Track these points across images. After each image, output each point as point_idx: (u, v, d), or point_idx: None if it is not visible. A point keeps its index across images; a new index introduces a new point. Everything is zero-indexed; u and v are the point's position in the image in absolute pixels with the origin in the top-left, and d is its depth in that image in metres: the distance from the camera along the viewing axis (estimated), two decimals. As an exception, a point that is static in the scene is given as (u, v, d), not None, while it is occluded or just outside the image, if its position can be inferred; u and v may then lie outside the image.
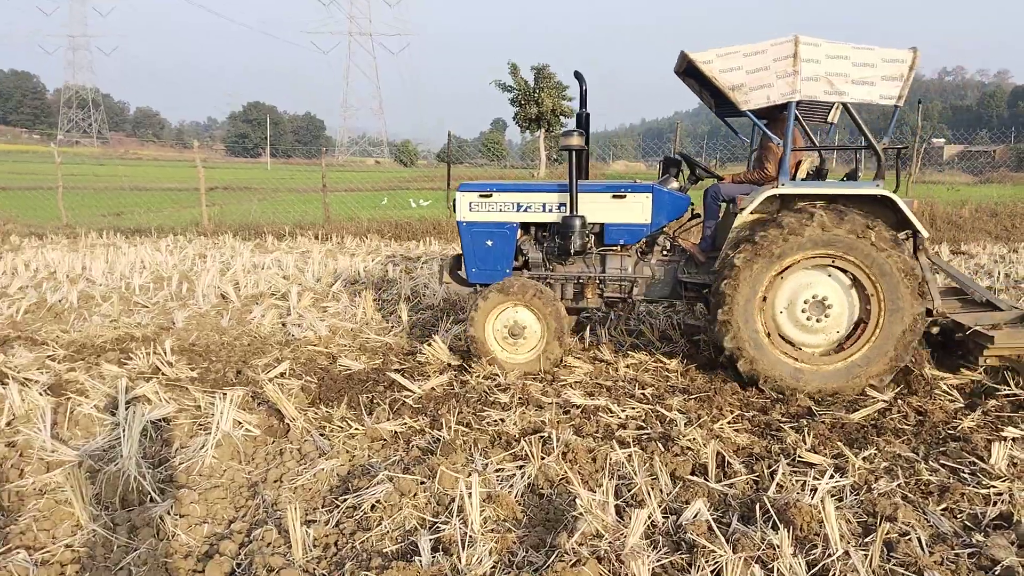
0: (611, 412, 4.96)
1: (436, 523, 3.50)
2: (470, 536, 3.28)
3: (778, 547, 3.12)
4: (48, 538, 3.42)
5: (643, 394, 5.36)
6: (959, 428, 4.64)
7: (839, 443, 4.41)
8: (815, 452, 4.30)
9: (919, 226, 5.34)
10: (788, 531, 3.23)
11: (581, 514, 3.42)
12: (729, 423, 4.77)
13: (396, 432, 4.71)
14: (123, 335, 6.90)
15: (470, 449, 4.38)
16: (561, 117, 46.34)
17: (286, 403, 4.87)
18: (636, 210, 6.01)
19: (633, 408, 5.04)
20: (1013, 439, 4.36)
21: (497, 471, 4.09)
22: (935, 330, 5.69)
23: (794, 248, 5.19)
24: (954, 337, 5.62)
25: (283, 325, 7.49)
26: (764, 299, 5.33)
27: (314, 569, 3.19)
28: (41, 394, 5.05)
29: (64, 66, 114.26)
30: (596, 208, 6.04)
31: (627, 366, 6.03)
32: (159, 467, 4.16)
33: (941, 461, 4.20)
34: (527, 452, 4.22)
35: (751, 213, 5.48)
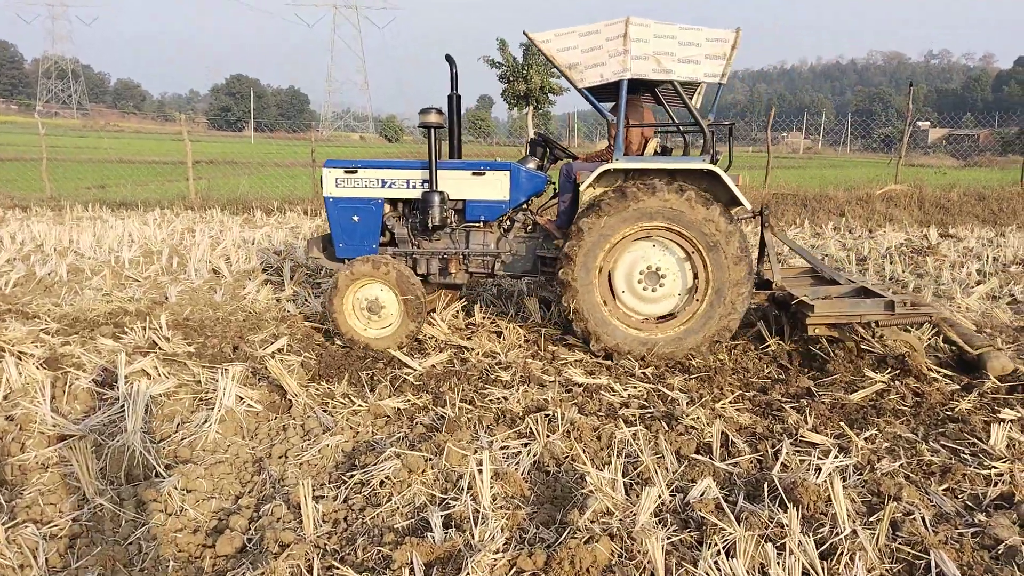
0: (613, 391, 4.98)
1: (446, 499, 3.50)
2: (481, 513, 3.29)
3: (787, 525, 3.15)
4: (55, 512, 3.40)
5: (643, 373, 5.38)
6: (956, 409, 4.70)
7: (840, 423, 4.45)
8: (817, 432, 4.34)
9: (743, 200, 5.51)
10: (796, 510, 3.26)
11: (591, 492, 3.44)
12: (731, 403, 4.81)
13: (399, 409, 4.71)
14: (116, 309, 6.82)
15: (475, 427, 4.38)
16: (550, 94, 46.12)
17: (288, 379, 4.85)
18: (495, 187, 6.11)
19: (635, 387, 5.07)
20: (1011, 421, 4.42)
21: (502, 448, 4.10)
22: (762, 300, 6.13)
23: (620, 221, 5.44)
24: (789, 308, 5.85)
25: (277, 301, 7.44)
26: (600, 269, 5.57)
27: (325, 544, 3.19)
28: (38, 368, 4.99)
29: (43, 36, 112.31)
30: (457, 185, 6.13)
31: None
32: (162, 442, 4.14)
33: (941, 442, 4.25)
34: (532, 430, 4.23)
35: (593, 188, 5.69)
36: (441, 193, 5.96)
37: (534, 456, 3.97)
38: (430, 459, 3.89)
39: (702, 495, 3.51)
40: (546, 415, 4.42)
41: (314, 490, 3.62)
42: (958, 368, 5.47)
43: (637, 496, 3.44)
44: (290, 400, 4.77)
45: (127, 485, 3.65)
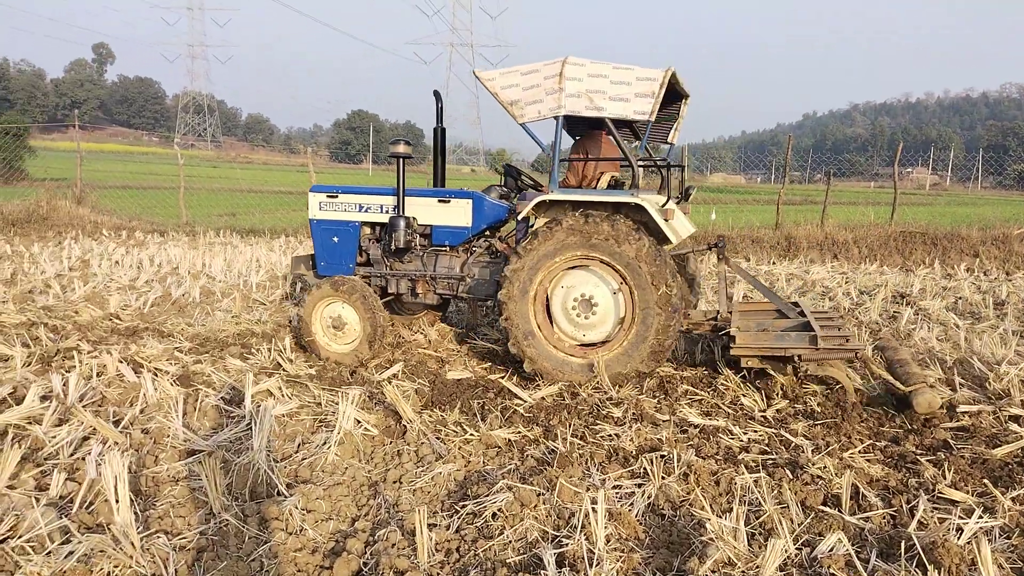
0: (731, 434, 4.79)
1: (558, 537, 3.44)
2: (595, 554, 3.21)
3: (928, 590, 2.91)
4: (184, 524, 3.55)
5: (764, 416, 5.16)
6: (1121, 473, 4.24)
7: (983, 480, 4.11)
8: (957, 488, 4.01)
9: (667, 233, 5.57)
10: (938, 572, 3.02)
11: (711, 540, 3.30)
12: (860, 452, 4.52)
13: (510, 440, 4.69)
14: (244, 331, 7.16)
15: (586, 463, 4.30)
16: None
17: (403, 405, 4.93)
18: (459, 214, 6.47)
19: (755, 431, 4.85)
20: None
21: (615, 488, 4.00)
22: (706, 331, 6.22)
23: (553, 249, 5.65)
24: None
25: (392, 326, 7.61)
26: (535, 293, 5.78)
27: (438, 574, 3.19)
28: (172, 384, 5.28)
29: (183, 73, 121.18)
30: (425, 211, 6.53)
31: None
32: (284, 461, 4.27)
33: (1104, 509, 3.84)
34: (646, 470, 4.11)
35: (538, 217, 5.97)
36: (407, 218, 6.36)
37: (648, 498, 3.86)
38: (542, 494, 3.84)
39: (831, 550, 3.30)
40: (661, 456, 4.29)
41: (428, 518, 3.64)
42: (895, 403, 5.41)
43: (760, 547, 3.28)
44: (405, 426, 4.84)
45: (251, 502, 3.78)
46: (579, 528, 3.43)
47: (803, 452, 4.52)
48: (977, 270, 12.85)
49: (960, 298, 9.83)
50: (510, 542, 3.41)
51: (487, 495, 3.81)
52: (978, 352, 6.67)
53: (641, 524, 3.60)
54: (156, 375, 5.43)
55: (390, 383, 5.43)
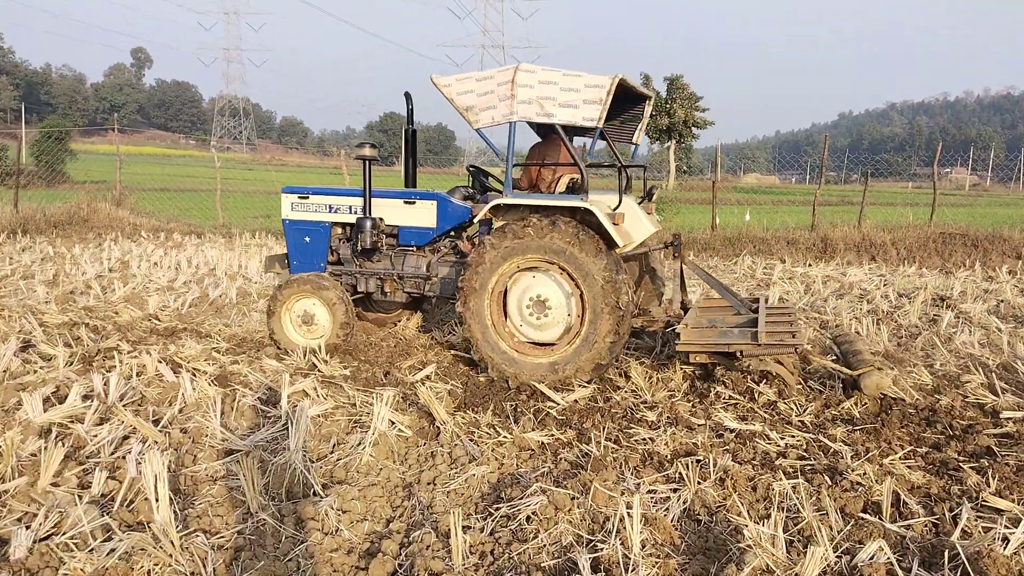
0: (768, 439, 4.72)
1: (593, 541, 3.42)
2: (631, 559, 3.18)
3: (974, 602, 2.84)
4: (222, 523, 3.59)
5: (801, 422, 5.08)
6: None
7: (1030, 490, 4.00)
8: (1002, 497, 3.91)
9: (615, 236, 5.57)
10: (984, 585, 2.94)
11: (749, 547, 3.26)
12: (901, 459, 4.43)
13: (543, 443, 4.67)
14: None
15: (620, 467, 4.28)
16: (694, 128, 45.49)
17: (437, 406, 4.94)
18: (424, 215, 6.60)
19: (792, 436, 4.78)
20: None
21: (650, 492, 3.97)
22: (659, 327, 6.28)
23: (500, 255, 5.75)
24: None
25: (425, 328, 7.64)
26: (492, 290, 5.87)
27: (472, 577, 3.19)
28: (209, 384, 5.35)
29: (219, 77, 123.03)
30: (392, 212, 6.67)
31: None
32: (319, 461, 4.31)
33: None
34: (681, 475, 4.08)
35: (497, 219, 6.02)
36: (374, 219, 6.51)
37: (684, 503, 3.82)
38: (576, 497, 3.82)
39: (871, 559, 3.24)
40: (697, 461, 4.25)
41: (462, 520, 3.64)
42: (844, 390, 5.62)
43: (799, 555, 3.23)
44: (438, 427, 4.85)
45: (287, 501, 3.82)
46: (614, 533, 3.41)
47: (842, 458, 4.44)
48: (1020, 272, 12.54)
49: (1002, 301, 9.60)
50: (544, 546, 3.40)
51: (521, 498, 3.81)
52: (1022, 356, 6.51)
53: (677, 530, 3.57)
54: (194, 375, 5.51)
55: (423, 384, 5.45)
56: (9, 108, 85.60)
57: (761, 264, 13.14)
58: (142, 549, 3.25)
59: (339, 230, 6.96)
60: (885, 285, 10.78)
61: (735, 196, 33.11)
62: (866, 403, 5.36)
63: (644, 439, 4.73)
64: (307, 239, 6.95)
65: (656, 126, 44.91)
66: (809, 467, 4.33)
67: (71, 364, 5.88)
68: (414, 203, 6.61)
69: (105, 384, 5.16)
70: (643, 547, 3.33)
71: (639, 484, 4.04)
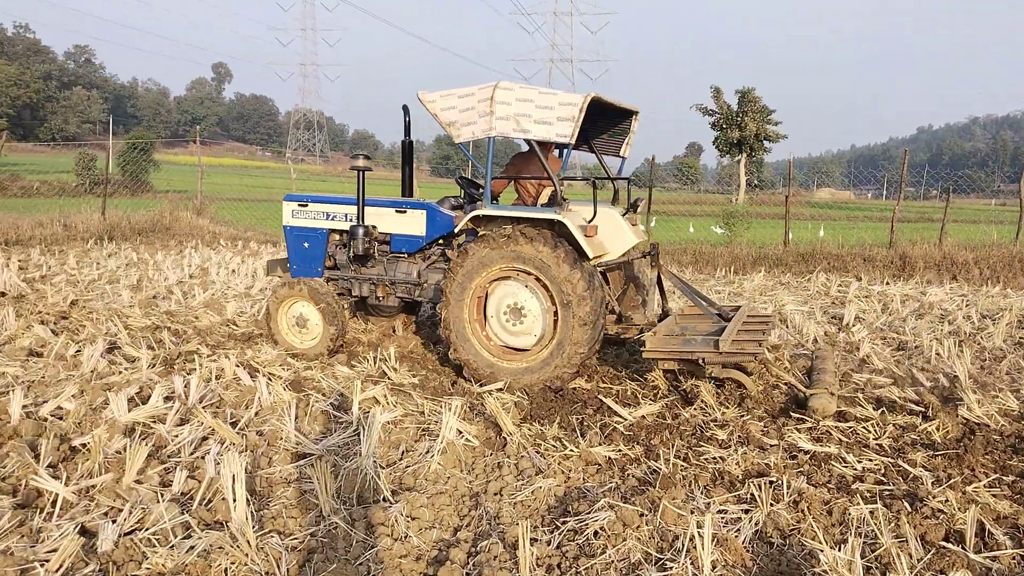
0: (844, 462, 4.58)
1: (662, 560, 3.37)
2: (701, 579, 3.13)
3: (1070, 642, 2.69)
4: (296, 525, 3.68)
5: (879, 445, 4.91)
6: None
7: None
8: (1098, 533, 3.70)
9: (586, 248, 5.75)
10: (1080, 624, 2.78)
11: (824, 572, 3.16)
12: (985, 487, 4.24)
13: (610, 458, 4.64)
14: (351, 339, 7.38)
15: (690, 485, 4.21)
16: (765, 141, 44.66)
17: (504, 417, 4.96)
18: (414, 224, 6.85)
19: (870, 460, 4.63)
20: None
21: (720, 512, 3.89)
22: (634, 334, 6.51)
23: (476, 265, 5.98)
24: None
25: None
26: (472, 293, 6.07)
27: (540, 590, 3.18)
28: (284, 389, 5.49)
29: (295, 92, 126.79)
30: (385, 220, 6.93)
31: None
32: (388, 467, 4.37)
33: None
34: (753, 496, 3.99)
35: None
36: (366, 227, 6.78)
37: (756, 525, 3.73)
38: (644, 514, 3.78)
39: (956, 591, 3.10)
40: (770, 482, 4.15)
41: (529, 532, 3.64)
42: (795, 405, 5.64)
43: (877, 582, 3.12)
44: (504, 438, 4.87)
45: (358, 506, 3.88)
46: (683, 552, 3.36)
47: (922, 484, 4.27)
48: (1117, 295, 11.86)
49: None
50: (612, 562, 3.37)
51: (588, 512, 3.78)
52: (1121, 384, 6.15)
53: (748, 552, 3.49)
54: (270, 379, 5.67)
55: (491, 395, 5.48)
56: (98, 120, 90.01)
57: (836, 281, 12.78)
58: (220, 547, 3.36)
59: (336, 236, 7.27)
60: (967, 305, 10.34)
61: (808, 211, 32.36)
62: (948, 428, 5.15)
63: (714, 458, 4.64)
64: (306, 244, 7.27)
65: (726, 139, 44.26)
66: (887, 492, 4.18)
67: (154, 366, 6.12)
68: (405, 212, 6.87)
69: (186, 386, 5.35)
70: (713, 568, 3.27)
71: (709, 503, 3.97)
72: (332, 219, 7.13)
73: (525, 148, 6.44)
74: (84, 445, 4.42)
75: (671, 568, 3.25)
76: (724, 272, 13.94)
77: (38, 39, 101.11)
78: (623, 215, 6.66)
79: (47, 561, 3.20)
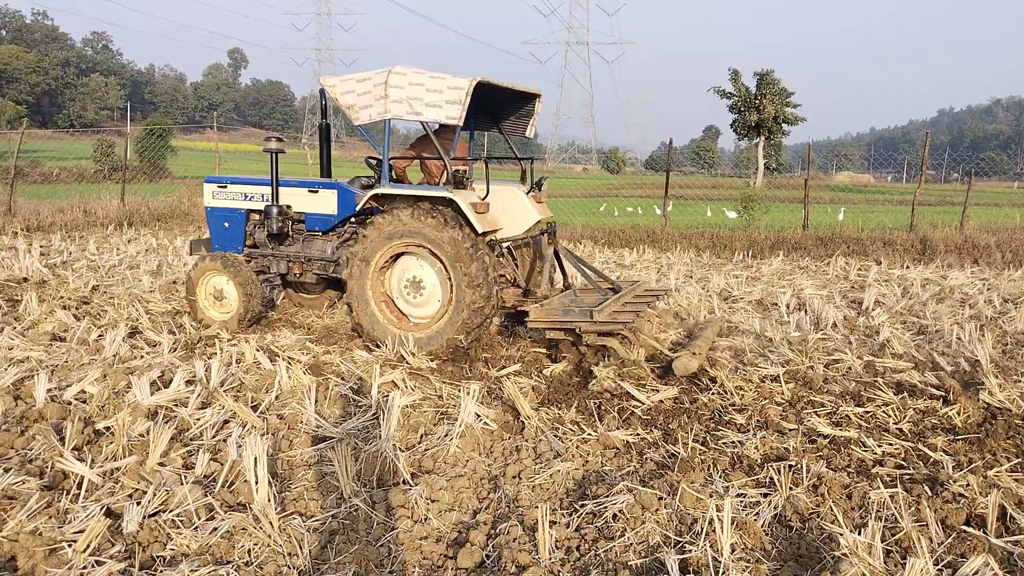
0: (864, 446, 4.56)
1: (681, 543, 3.38)
2: (721, 563, 3.14)
3: (1093, 626, 2.68)
4: (317, 507, 3.72)
5: (899, 429, 4.89)
6: None
7: None
8: (1123, 518, 3.67)
9: (475, 223, 6.07)
10: (1103, 609, 2.77)
11: (844, 555, 3.16)
12: (1007, 471, 4.21)
13: (628, 442, 4.64)
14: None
15: (708, 469, 4.21)
16: (784, 124, 44.19)
17: (522, 401, 4.98)
18: (326, 203, 7.08)
19: (890, 444, 4.60)
20: None
21: (739, 496, 3.89)
22: (524, 308, 6.52)
23: (376, 240, 6.33)
24: None
25: (507, 325, 7.69)
26: (375, 268, 6.39)
27: (559, 571, 3.21)
28: (304, 373, 5.54)
29: (311, 77, 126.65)
30: (299, 200, 7.19)
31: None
32: (408, 451, 4.41)
33: None
34: (772, 480, 3.99)
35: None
36: (280, 207, 7.06)
37: (775, 508, 3.73)
38: (663, 498, 3.79)
39: (976, 574, 3.09)
40: (789, 466, 4.14)
41: (548, 515, 3.66)
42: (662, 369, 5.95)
43: (897, 566, 3.12)
44: (523, 422, 4.89)
45: (378, 488, 3.92)
46: (703, 535, 3.37)
47: (943, 468, 4.25)
48: None
49: None
50: (631, 544, 3.39)
51: (607, 496, 3.80)
52: None
53: (768, 535, 3.49)
54: (290, 364, 5.71)
55: (509, 379, 5.49)
56: (116, 107, 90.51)
57: (855, 265, 12.67)
58: (243, 529, 3.40)
59: (255, 216, 7.47)
60: (989, 290, 10.23)
61: (828, 195, 32.08)
62: (969, 413, 5.12)
63: (733, 442, 4.64)
64: (226, 224, 7.55)
65: (744, 122, 43.84)
66: (908, 476, 4.16)
67: (175, 351, 6.19)
68: (317, 192, 7.14)
69: (207, 370, 5.41)
70: (733, 551, 3.27)
71: (728, 487, 3.97)
72: (250, 200, 7.41)
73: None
74: (108, 428, 4.48)
75: (690, 551, 3.26)
76: (741, 256, 13.86)
77: (56, 26, 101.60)
78: (527, 193, 7.13)
79: (75, 541, 3.25)
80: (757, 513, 3.70)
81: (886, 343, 7.08)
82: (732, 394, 5.51)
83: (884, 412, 5.16)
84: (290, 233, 7.25)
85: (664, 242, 15.42)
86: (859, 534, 3.31)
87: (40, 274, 9.49)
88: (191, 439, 4.47)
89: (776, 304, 8.95)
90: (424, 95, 6.06)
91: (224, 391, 5.13)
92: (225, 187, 7.55)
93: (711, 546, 3.27)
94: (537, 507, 3.46)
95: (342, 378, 5.59)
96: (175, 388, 5.10)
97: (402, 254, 6.43)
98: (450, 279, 6.24)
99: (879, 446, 4.56)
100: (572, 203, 22.91)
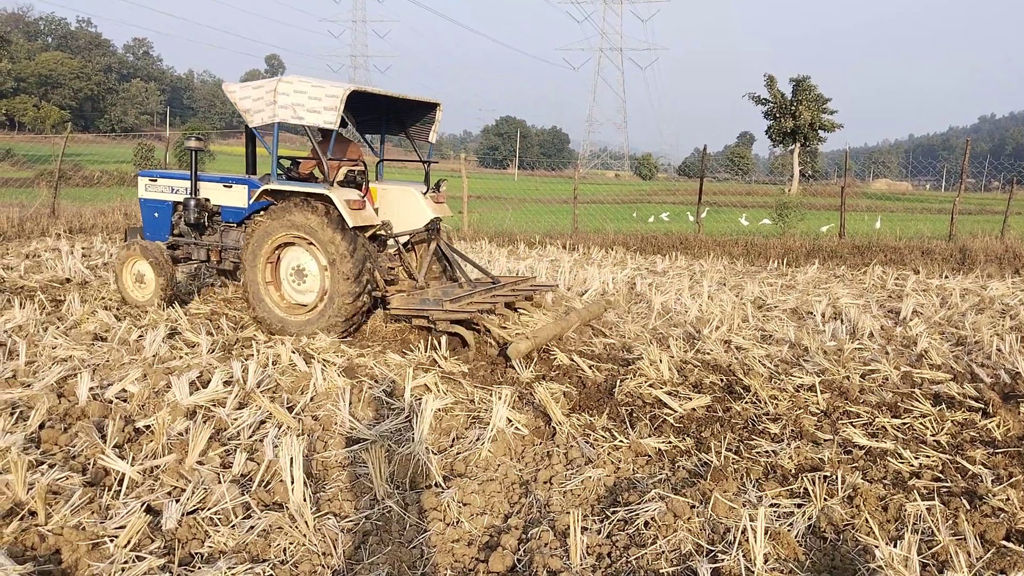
0: (901, 458, 4.50)
1: (713, 551, 3.37)
2: (752, 572, 3.12)
3: None
4: (351, 508, 3.76)
5: (936, 441, 4.81)
6: None
7: None
8: None
9: (347, 218, 6.63)
10: None
11: (879, 568, 3.12)
12: (1050, 487, 4.12)
13: (660, 450, 4.63)
14: (402, 327, 7.48)
15: (742, 478, 4.19)
16: (820, 131, 43.69)
17: (553, 407, 4.99)
18: (239, 197, 7.76)
19: (927, 456, 4.53)
20: None
21: (772, 506, 3.86)
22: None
23: (263, 233, 6.93)
24: None
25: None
26: (264, 259, 6.98)
27: (590, 578, 3.21)
28: (338, 375, 5.61)
29: (346, 82, 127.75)
30: (216, 194, 7.91)
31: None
32: (440, 454, 4.44)
33: None
34: (807, 490, 3.95)
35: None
36: (198, 199, 7.78)
37: (809, 519, 3.70)
38: (695, 506, 3.77)
39: (1017, 591, 3.04)
40: (824, 476, 4.10)
41: (579, 521, 3.67)
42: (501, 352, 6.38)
43: (935, 580, 3.07)
44: (554, 428, 4.89)
45: (411, 491, 3.96)
46: (735, 544, 3.35)
47: (982, 482, 4.17)
48: None
49: None
50: (663, 552, 3.38)
51: (638, 503, 3.79)
52: None
53: (801, 546, 3.46)
54: (324, 366, 5.78)
55: (540, 384, 5.51)
56: (156, 112, 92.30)
57: (892, 275, 12.47)
58: (279, 528, 3.46)
59: (179, 208, 8.09)
60: (1032, 300, 10.01)
61: (864, 202, 31.61)
62: (1009, 426, 5.02)
63: (766, 451, 4.61)
64: (156, 215, 8.27)
65: (780, 129, 43.41)
66: (945, 489, 4.10)
67: (213, 351, 6.30)
68: (231, 187, 7.84)
69: (244, 371, 5.50)
70: (766, 561, 3.25)
71: (761, 497, 3.94)
72: (175, 192, 8.09)
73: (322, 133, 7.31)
74: (148, 427, 4.58)
75: (723, 560, 3.25)
76: (776, 264, 13.72)
77: (99, 33, 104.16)
78: (425, 193, 7.90)
79: (116, 536, 3.33)
80: (791, 523, 3.67)
81: (924, 354, 6.97)
82: (766, 403, 5.47)
83: (921, 424, 5.09)
84: (207, 224, 7.95)
85: (697, 249, 15.32)
86: (895, 547, 3.27)
87: (82, 275, 9.72)
88: (228, 439, 4.55)
89: (811, 313, 8.85)
90: (307, 102, 6.66)
91: (260, 392, 5.22)
92: (156, 180, 8.28)
93: (744, 556, 3.25)
94: (568, 513, 3.47)
95: (375, 381, 5.65)
96: (213, 388, 5.19)
97: (291, 244, 6.98)
98: (326, 268, 6.78)
99: (916, 458, 4.49)
100: (604, 209, 22.86)
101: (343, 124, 7.55)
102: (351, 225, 6.67)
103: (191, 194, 7.87)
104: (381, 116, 8.17)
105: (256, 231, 6.98)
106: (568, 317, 7.19)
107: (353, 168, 7.56)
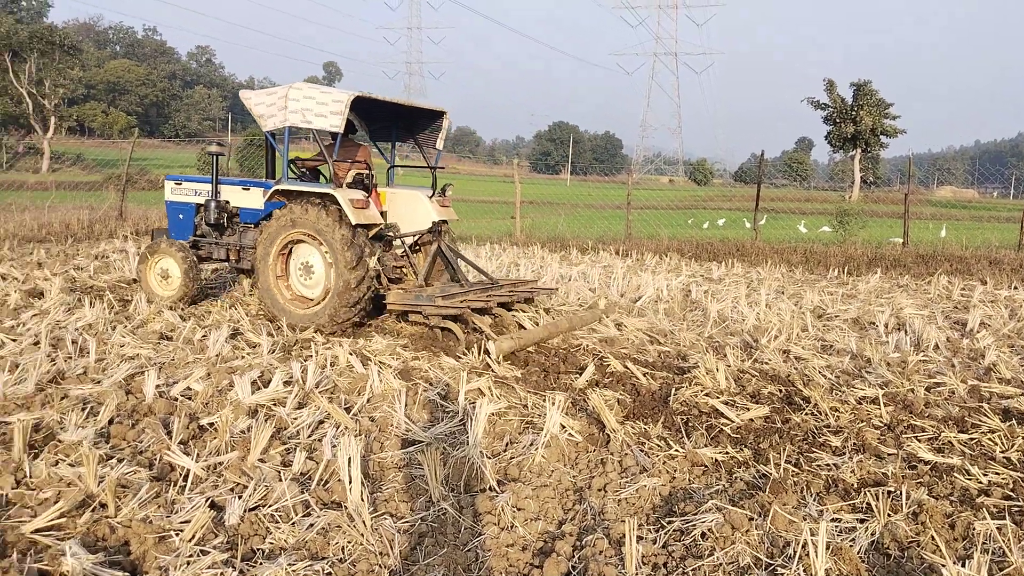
0: (968, 474, 4.35)
1: (772, 565, 3.31)
2: (814, 587, 3.05)
3: None
4: (407, 509, 3.81)
5: (1006, 458, 4.64)
6: None
7: None
8: None
9: (350, 216, 6.93)
10: None
11: (947, 587, 3.02)
12: None
13: (717, 460, 4.56)
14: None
15: (802, 492, 4.10)
16: (882, 136, 42.59)
17: (607, 414, 4.96)
18: (256, 199, 8.11)
19: (996, 473, 4.38)
20: None
21: (834, 521, 3.78)
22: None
23: (273, 231, 7.30)
24: None
25: (592, 331, 7.68)
26: (276, 254, 7.32)
27: (645, 587, 3.18)
28: (394, 377, 5.68)
29: (401, 89, 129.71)
30: (235, 196, 8.33)
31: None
32: (494, 458, 4.46)
33: None
34: (870, 505, 3.85)
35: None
36: (219, 202, 8.21)
37: (872, 535, 3.60)
38: (753, 519, 3.71)
39: (1095, 618, 2.91)
40: (887, 492, 3.99)
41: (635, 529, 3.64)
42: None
43: (1006, 603, 2.96)
44: (608, 435, 4.87)
45: (465, 494, 3.99)
46: (795, 559, 3.28)
47: (1058, 503, 4.01)
48: None
49: None
50: (721, 564, 3.33)
51: (695, 514, 3.75)
52: None
53: (864, 562, 3.37)
54: (381, 368, 5.86)
55: (594, 391, 5.49)
56: (218, 118, 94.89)
57: (959, 285, 12.07)
58: (337, 526, 3.52)
59: (202, 209, 8.47)
60: (1110, 314, 9.57)
61: (929, 210, 30.70)
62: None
63: (828, 464, 4.50)
64: (180, 216, 8.63)
65: (840, 134, 42.45)
66: (1016, 508, 3.94)
67: (273, 352, 6.44)
68: (248, 190, 8.25)
69: (303, 372, 5.62)
70: (827, 576, 3.18)
71: (822, 511, 3.86)
72: (199, 195, 8.46)
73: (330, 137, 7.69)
74: (212, 424, 4.70)
75: (782, 574, 3.19)
76: (836, 273, 13.41)
77: (164, 40, 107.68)
78: (430, 197, 8.22)
79: (181, 530, 3.43)
80: (853, 539, 3.58)
81: (992, 367, 6.73)
82: (827, 415, 5.35)
83: (990, 439, 4.91)
84: (227, 224, 8.34)
85: (754, 256, 15.08)
86: (963, 566, 3.16)
87: (149, 276, 10.03)
88: (288, 437, 4.65)
89: (874, 323, 8.63)
90: (315, 107, 7.04)
91: (319, 392, 5.32)
92: (181, 184, 8.67)
93: (804, 570, 3.19)
94: (623, 521, 3.44)
95: (430, 384, 5.71)
96: (274, 388, 5.31)
97: (300, 242, 7.27)
98: (331, 264, 7.04)
99: (985, 475, 4.34)
100: (657, 215, 22.64)
101: (350, 128, 8.16)
102: (353, 223, 6.95)
103: (212, 196, 8.27)
104: (391, 124, 8.58)
105: (268, 229, 7.35)
106: (557, 322, 7.39)
107: (361, 171, 8.01)
